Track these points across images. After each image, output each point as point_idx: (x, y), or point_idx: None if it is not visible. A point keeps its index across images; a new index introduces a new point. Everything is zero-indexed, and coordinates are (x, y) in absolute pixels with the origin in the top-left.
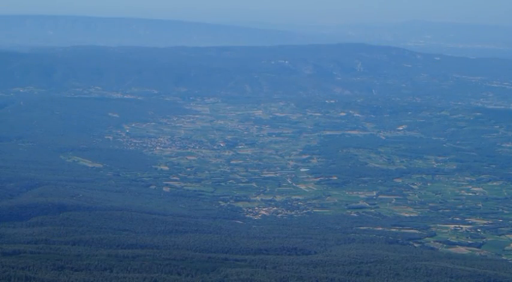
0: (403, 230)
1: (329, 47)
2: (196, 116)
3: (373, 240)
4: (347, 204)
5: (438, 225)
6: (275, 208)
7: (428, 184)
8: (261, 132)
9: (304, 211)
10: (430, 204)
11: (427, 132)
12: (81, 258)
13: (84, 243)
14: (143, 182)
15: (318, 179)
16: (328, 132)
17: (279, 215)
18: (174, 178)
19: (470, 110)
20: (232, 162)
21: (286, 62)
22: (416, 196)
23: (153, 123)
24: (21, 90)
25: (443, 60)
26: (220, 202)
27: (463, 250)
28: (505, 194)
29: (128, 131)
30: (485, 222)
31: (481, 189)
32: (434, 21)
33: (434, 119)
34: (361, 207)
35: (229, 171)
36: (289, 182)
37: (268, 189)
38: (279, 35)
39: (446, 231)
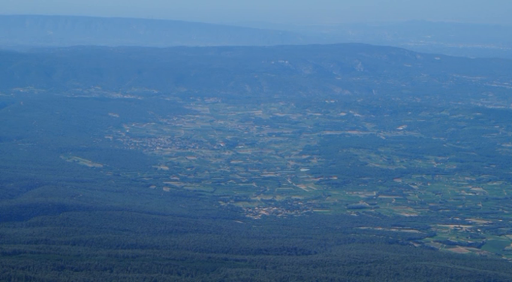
0: (403, 230)
1: (329, 47)
2: (196, 116)
3: (373, 240)
4: (347, 204)
5: (438, 225)
6: (275, 208)
7: (428, 184)
8: (261, 132)
9: (304, 211)
10: (430, 204)
11: (427, 132)
12: (81, 258)
13: (84, 243)
14: (143, 182)
15: (318, 179)
16: (328, 132)
17: (279, 215)
18: (174, 178)
19: (470, 110)
20: (232, 162)
21: (286, 62)
22: (416, 196)
23: (153, 123)
24: (21, 90)
25: (443, 60)
26: (220, 202)
27: (463, 250)
28: (505, 194)
29: (128, 131)
30: (485, 222)
31: (481, 189)
32: (434, 21)
33: (434, 119)
34: (361, 207)
35: (229, 171)
36: (289, 182)
37: (268, 189)
38: (279, 35)
39: (446, 231)
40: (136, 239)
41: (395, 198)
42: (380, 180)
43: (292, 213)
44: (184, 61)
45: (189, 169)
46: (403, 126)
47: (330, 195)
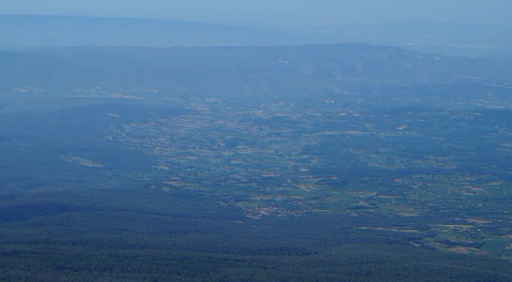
0: (403, 230)
1: (329, 47)
2: (196, 116)
3: (373, 240)
4: (347, 204)
5: (438, 225)
6: (275, 208)
7: (428, 184)
8: (261, 132)
9: (304, 211)
10: (430, 204)
11: (427, 132)
12: (81, 258)
13: (84, 243)
14: (143, 182)
15: (318, 179)
16: (328, 132)
17: (279, 215)
18: (174, 178)
19: (470, 110)
20: (232, 162)
21: (286, 62)
22: (416, 196)
23: (153, 123)
24: (21, 90)
25: (443, 60)
26: (220, 202)
27: (463, 250)
28: (505, 194)
29: (128, 131)
30: (485, 222)
31: (481, 189)
32: (434, 21)
33: (434, 119)
34: (361, 207)
35: (229, 171)
36: (289, 182)
37: (268, 189)
38: (279, 35)
39: (446, 231)
40: (136, 239)
41: (395, 198)
42: (380, 180)
43: (292, 213)
44: (184, 61)
45: (189, 169)
46: (403, 126)
47: (330, 195)
